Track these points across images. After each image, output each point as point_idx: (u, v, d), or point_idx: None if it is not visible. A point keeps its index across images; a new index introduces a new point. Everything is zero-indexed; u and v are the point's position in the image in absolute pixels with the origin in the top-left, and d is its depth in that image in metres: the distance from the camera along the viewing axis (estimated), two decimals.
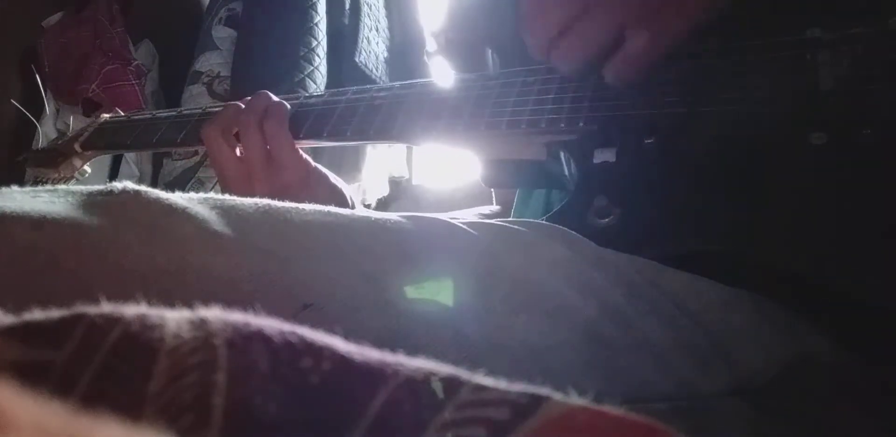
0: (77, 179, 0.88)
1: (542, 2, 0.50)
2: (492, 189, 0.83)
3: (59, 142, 0.87)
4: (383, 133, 0.63)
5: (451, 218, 0.37)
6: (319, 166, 0.67)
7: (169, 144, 0.75)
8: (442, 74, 0.67)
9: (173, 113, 0.77)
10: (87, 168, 0.88)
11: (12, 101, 1.09)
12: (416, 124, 0.61)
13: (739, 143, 0.46)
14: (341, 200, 0.67)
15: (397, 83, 0.67)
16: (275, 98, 0.67)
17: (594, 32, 0.49)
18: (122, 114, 0.85)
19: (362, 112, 0.65)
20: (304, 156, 0.65)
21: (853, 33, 0.47)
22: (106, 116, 0.86)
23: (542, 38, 0.51)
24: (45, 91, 1.41)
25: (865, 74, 0.45)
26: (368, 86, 0.69)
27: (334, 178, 0.68)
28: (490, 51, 0.65)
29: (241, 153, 0.65)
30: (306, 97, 0.70)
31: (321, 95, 0.70)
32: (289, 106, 0.66)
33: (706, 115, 0.49)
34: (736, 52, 0.51)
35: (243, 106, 0.66)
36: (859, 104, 0.44)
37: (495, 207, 0.82)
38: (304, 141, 0.66)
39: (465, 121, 0.58)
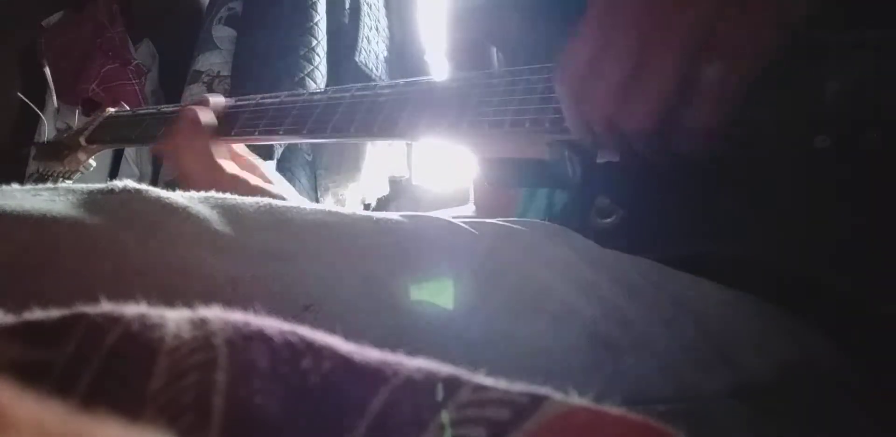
0: (82, 173, 0.88)
1: (584, 63, 0.40)
2: (478, 188, 0.83)
3: (65, 135, 0.88)
4: (387, 130, 0.63)
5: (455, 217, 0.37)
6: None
7: None
8: (445, 72, 0.66)
9: (178, 108, 0.78)
10: (92, 161, 0.89)
11: (18, 94, 1.09)
12: (419, 121, 0.61)
13: (742, 145, 0.46)
14: None
15: (401, 81, 0.67)
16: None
17: (657, 82, 0.39)
18: (128, 108, 0.86)
19: (366, 108, 0.65)
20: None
21: (859, 36, 0.47)
22: (111, 110, 0.86)
23: (598, 112, 0.41)
24: (48, 90, 1.41)
25: (870, 77, 0.45)
26: (372, 83, 0.69)
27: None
28: (494, 49, 0.65)
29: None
30: (309, 94, 0.70)
31: (324, 92, 0.70)
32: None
33: None
34: None
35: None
36: (864, 107, 0.44)
37: (469, 208, 0.82)
38: (306, 137, 0.66)
39: (469, 118, 0.58)
